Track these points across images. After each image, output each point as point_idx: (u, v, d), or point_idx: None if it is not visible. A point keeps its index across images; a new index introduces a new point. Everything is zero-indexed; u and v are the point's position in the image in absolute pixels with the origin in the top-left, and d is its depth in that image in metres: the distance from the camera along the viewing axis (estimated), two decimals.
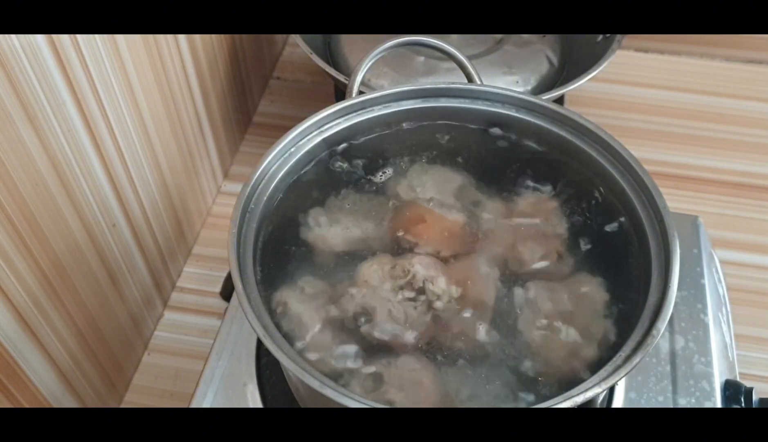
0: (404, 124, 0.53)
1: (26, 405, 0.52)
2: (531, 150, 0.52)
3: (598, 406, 0.49)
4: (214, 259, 0.75)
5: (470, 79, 0.58)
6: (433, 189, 0.51)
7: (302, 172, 0.51)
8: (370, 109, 0.53)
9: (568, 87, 0.70)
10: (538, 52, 0.78)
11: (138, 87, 0.59)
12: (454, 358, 0.43)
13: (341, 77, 0.71)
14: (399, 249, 0.48)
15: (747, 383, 0.51)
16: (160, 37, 0.61)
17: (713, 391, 0.50)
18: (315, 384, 0.38)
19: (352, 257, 0.47)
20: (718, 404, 0.50)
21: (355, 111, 0.52)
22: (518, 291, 0.45)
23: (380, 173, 0.52)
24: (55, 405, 0.55)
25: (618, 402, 0.50)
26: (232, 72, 0.78)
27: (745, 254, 0.74)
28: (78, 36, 0.50)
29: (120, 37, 0.55)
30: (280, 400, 0.51)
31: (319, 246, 0.48)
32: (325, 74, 0.74)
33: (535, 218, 0.49)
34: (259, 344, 0.53)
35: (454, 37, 0.78)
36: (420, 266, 0.46)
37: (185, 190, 0.71)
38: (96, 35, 0.52)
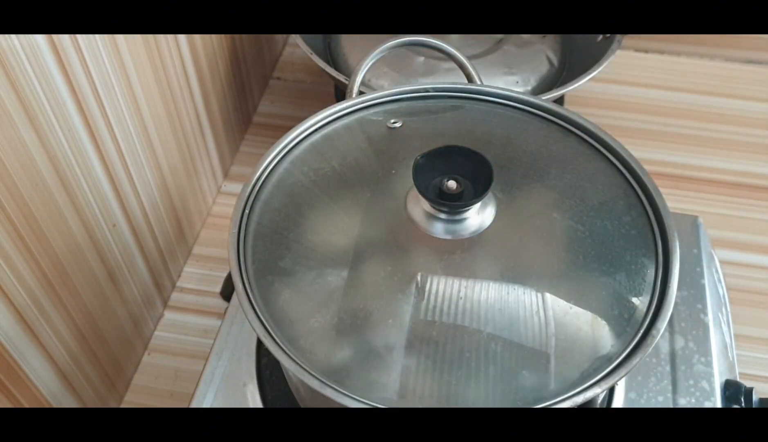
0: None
1: (26, 405, 0.52)
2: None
3: (598, 406, 0.49)
4: (215, 259, 0.75)
5: (470, 80, 0.58)
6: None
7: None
8: (371, 109, 0.53)
9: (568, 87, 0.70)
10: (538, 52, 0.78)
11: (138, 87, 0.59)
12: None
13: (341, 77, 0.71)
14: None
15: (747, 383, 0.51)
16: (161, 37, 0.61)
17: (713, 391, 0.50)
18: (315, 384, 0.38)
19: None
20: (718, 404, 0.50)
21: (356, 111, 0.52)
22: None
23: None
24: (55, 405, 0.55)
25: (618, 402, 0.50)
26: (232, 72, 0.78)
27: (745, 254, 0.74)
28: (78, 36, 0.50)
29: (120, 37, 0.55)
30: (281, 400, 0.51)
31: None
32: (325, 74, 0.74)
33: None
34: (260, 344, 0.53)
35: (454, 37, 0.78)
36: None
37: (185, 190, 0.71)
38: (96, 35, 0.52)
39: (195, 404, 0.50)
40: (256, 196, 0.48)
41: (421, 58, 0.76)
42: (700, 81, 0.90)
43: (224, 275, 0.65)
